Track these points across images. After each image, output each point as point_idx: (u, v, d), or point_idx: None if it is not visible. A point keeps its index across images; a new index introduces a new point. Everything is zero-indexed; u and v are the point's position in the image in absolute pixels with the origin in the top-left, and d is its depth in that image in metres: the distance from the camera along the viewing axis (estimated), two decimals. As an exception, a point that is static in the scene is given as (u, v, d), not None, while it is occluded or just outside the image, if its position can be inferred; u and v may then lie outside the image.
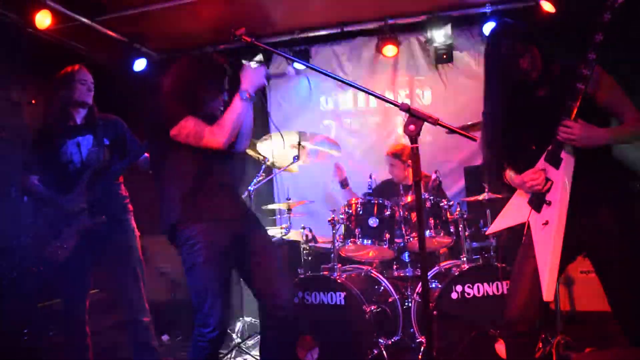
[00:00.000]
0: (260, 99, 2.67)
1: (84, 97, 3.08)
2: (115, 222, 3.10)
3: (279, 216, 4.93)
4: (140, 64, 5.08)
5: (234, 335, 4.03)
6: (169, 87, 2.56)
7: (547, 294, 2.13)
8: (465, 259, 3.45)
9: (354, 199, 3.69)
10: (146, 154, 3.14)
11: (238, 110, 2.47)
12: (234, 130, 2.47)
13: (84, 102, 3.09)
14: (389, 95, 5.43)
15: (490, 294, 3.25)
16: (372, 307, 3.44)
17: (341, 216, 3.67)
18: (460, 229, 3.52)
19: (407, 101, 5.39)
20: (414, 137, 1.68)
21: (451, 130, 1.74)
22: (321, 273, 3.68)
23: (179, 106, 2.44)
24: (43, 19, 4.00)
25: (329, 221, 3.66)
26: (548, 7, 4.22)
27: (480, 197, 3.65)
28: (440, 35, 4.84)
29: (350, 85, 1.89)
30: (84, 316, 3.09)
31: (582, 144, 2.12)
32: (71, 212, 2.97)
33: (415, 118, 1.69)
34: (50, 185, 3.05)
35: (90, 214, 2.99)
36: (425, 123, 1.72)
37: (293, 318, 2.60)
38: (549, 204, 2.22)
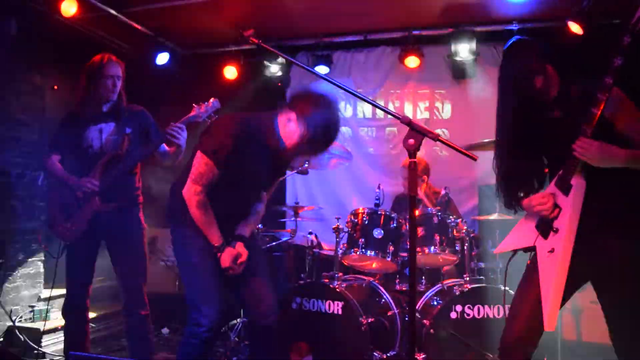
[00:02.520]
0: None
1: (108, 93, 3.08)
2: (123, 213, 3.11)
3: (287, 219, 4.91)
4: (162, 58, 5.13)
5: (232, 335, 4.01)
6: (231, 132, 2.46)
7: (549, 324, 2.06)
8: (468, 278, 3.38)
9: (360, 209, 3.64)
10: (165, 146, 3.13)
11: (207, 232, 2.47)
12: (194, 215, 2.47)
13: (108, 98, 3.10)
14: (409, 107, 5.39)
15: (491, 316, 3.19)
16: (370, 319, 3.38)
17: (346, 224, 3.63)
18: (465, 247, 3.45)
19: (426, 114, 5.33)
20: (412, 152, 1.64)
21: (452, 148, 1.69)
22: (321, 280, 3.64)
23: (217, 150, 2.42)
24: (69, 8, 4.05)
25: (333, 229, 3.62)
26: (576, 29, 4.12)
27: (491, 217, 3.57)
28: (464, 50, 4.76)
29: (355, 95, 1.86)
30: (85, 302, 3.12)
31: (598, 162, 2.03)
32: (83, 194, 3.00)
33: (416, 132, 1.65)
34: (69, 167, 3.10)
35: (101, 199, 3.01)
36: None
37: (277, 328, 2.64)
38: (556, 231, 2.15)
